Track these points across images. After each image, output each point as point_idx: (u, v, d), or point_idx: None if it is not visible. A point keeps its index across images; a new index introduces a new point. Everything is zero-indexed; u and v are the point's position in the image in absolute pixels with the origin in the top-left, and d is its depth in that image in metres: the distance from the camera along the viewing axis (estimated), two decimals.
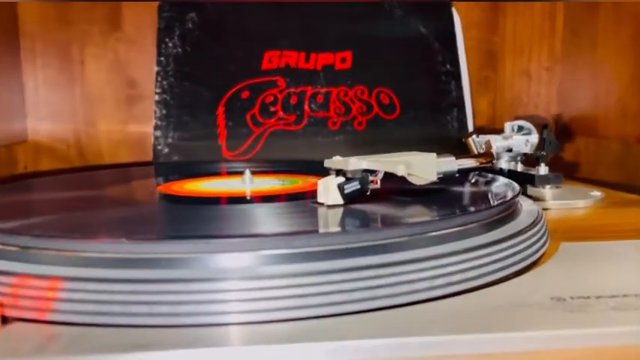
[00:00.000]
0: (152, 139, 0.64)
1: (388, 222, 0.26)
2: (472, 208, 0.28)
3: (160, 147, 0.60)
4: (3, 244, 0.23)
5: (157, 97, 0.62)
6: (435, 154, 0.31)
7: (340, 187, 0.28)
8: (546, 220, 0.32)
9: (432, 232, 0.25)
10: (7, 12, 0.64)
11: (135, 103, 0.67)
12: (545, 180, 0.41)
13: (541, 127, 0.42)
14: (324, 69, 0.64)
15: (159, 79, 0.62)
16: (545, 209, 0.42)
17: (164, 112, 0.61)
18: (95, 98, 0.67)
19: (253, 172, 0.41)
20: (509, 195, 0.31)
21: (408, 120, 0.63)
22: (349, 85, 0.64)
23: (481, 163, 0.34)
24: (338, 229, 0.26)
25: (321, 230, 0.25)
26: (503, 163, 0.47)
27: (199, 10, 0.63)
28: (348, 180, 0.28)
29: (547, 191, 0.44)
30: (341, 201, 0.28)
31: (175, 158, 0.60)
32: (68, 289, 0.20)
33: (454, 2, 0.67)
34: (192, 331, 0.20)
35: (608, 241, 0.31)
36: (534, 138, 0.47)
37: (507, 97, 0.73)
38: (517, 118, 0.50)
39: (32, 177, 0.46)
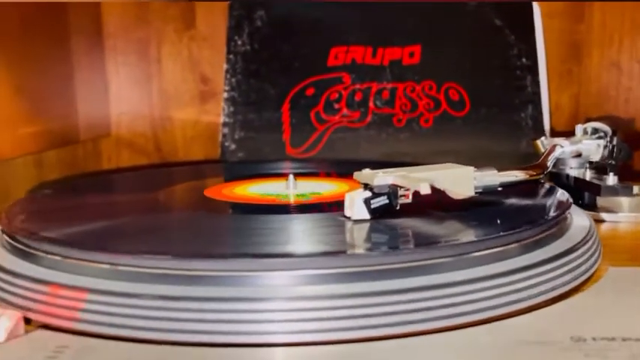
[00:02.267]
0: (220, 136, 0.66)
1: (407, 243, 0.25)
2: (507, 228, 0.26)
3: (227, 144, 0.62)
4: (36, 250, 0.24)
5: (225, 95, 0.63)
6: (472, 168, 0.29)
7: (366, 202, 0.27)
8: (599, 239, 0.29)
9: (455, 255, 0.24)
10: (93, 13, 0.68)
11: (207, 100, 0.69)
12: (612, 191, 0.38)
13: (612, 132, 0.39)
14: (390, 64, 0.62)
15: (228, 76, 0.63)
16: (615, 222, 0.38)
17: (232, 109, 0.63)
18: (170, 94, 0.70)
19: (302, 175, 0.41)
20: (553, 212, 0.28)
21: (479, 117, 0.61)
22: (417, 80, 0.62)
23: (530, 176, 0.32)
24: (354, 250, 0.25)
25: (342, 250, 0.25)
26: (571, 170, 0.43)
27: (268, 8, 0.64)
28: (375, 195, 0.28)
29: (624, 201, 0.40)
30: (367, 216, 0.28)
31: (241, 155, 0.61)
32: (93, 301, 0.21)
33: None
34: (226, 350, 0.20)
35: None
36: (599, 142, 0.43)
37: (593, 92, 0.67)
38: (589, 119, 0.47)
39: (89, 177, 0.48)
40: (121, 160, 0.71)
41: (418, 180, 0.26)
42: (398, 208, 0.28)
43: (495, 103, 0.61)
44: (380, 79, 0.62)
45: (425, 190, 0.25)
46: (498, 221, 0.27)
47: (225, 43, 0.65)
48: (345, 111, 0.61)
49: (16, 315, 0.22)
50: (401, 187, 0.28)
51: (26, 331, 0.21)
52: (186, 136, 0.70)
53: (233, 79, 0.63)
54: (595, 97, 0.67)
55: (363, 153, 0.60)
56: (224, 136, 0.62)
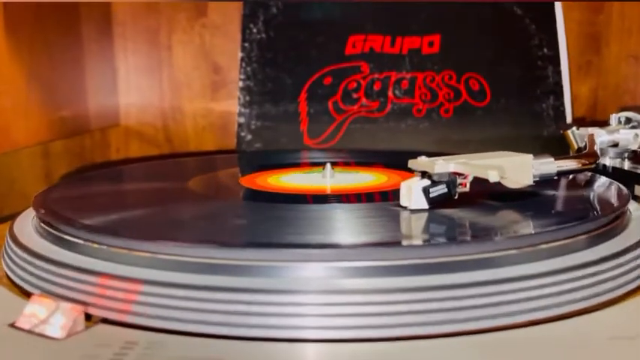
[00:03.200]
0: (236, 126, 0.64)
1: (476, 233, 0.24)
2: (574, 218, 0.25)
3: (243, 134, 0.61)
4: (90, 241, 0.23)
5: (241, 84, 0.62)
6: (531, 156, 0.28)
7: (425, 191, 0.26)
8: None
9: (527, 247, 0.23)
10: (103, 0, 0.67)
11: (219, 89, 0.68)
12: None
13: None
14: (409, 54, 0.61)
15: (243, 65, 0.62)
16: None
17: (247, 98, 0.61)
18: (181, 83, 0.68)
19: (334, 164, 0.40)
20: (616, 200, 0.28)
21: (499, 108, 0.60)
22: (436, 70, 0.61)
23: (583, 165, 0.31)
24: (420, 241, 0.24)
25: (405, 242, 0.23)
26: (608, 160, 0.42)
27: None
28: (434, 183, 0.27)
29: None
30: (426, 206, 0.27)
31: (258, 145, 0.60)
32: (149, 293, 0.20)
33: None
34: (270, 345, 0.19)
35: None
36: (637, 132, 0.43)
37: (611, 84, 0.67)
38: (624, 109, 0.46)
39: (113, 166, 0.47)
40: (129, 151, 0.69)
41: (485, 167, 0.25)
42: (456, 197, 0.27)
43: (516, 93, 0.60)
44: (399, 69, 0.61)
45: (493, 178, 0.24)
46: (559, 210, 0.26)
47: (240, 31, 0.63)
48: (363, 101, 0.60)
49: (72, 310, 0.20)
50: (460, 175, 0.27)
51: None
52: (198, 127, 0.69)
53: (248, 68, 0.62)
54: (613, 88, 0.67)
55: (383, 144, 0.59)
56: (240, 125, 0.61)
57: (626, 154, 0.43)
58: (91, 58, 0.63)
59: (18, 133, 0.50)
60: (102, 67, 0.66)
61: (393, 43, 0.62)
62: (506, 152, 0.29)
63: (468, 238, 0.24)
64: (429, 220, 0.26)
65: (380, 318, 0.20)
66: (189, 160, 0.53)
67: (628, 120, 0.45)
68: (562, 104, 0.59)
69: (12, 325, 0.20)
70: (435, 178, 0.26)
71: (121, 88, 0.69)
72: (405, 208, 0.27)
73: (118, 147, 0.69)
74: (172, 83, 0.68)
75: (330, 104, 0.60)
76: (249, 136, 0.60)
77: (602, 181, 0.33)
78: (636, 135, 0.42)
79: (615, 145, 0.42)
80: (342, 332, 0.19)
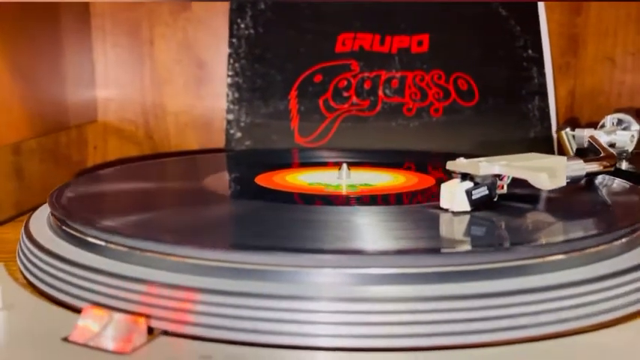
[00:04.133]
0: (224, 123, 0.63)
1: (523, 238, 0.25)
2: (610, 225, 0.25)
3: (232, 131, 0.59)
4: (141, 250, 0.22)
5: (229, 80, 0.60)
6: (565, 158, 0.29)
7: (468, 193, 0.26)
8: None
9: (574, 251, 0.23)
10: None
11: (203, 85, 0.66)
12: None
13: None
14: (399, 53, 0.61)
15: (231, 61, 0.61)
16: None
17: (236, 95, 0.60)
18: (164, 79, 0.66)
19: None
20: None
21: (487, 108, 0.61)
22: (425, 69, 0.61)
23: (605, 167, 0.32)
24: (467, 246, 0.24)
25: (461, 248, 0.23)
26: None
27: None
28: (477, 185, 0.27)
29: None
30: (468, 208, 0.27)
31: (248, 143, 0.59)
32: (216, 303, 0.19)
33: None
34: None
35: None
36: (633, 133, 0.44)
37: (588, 85, 0.69)
38: (617, 110, 0.47)
39: (116, 165, 0.45)
40: (108, 148, 0.67)
41: (535, 169, 0.25)
42: (495, 199, 0.27)
43: (503, 93, 0.61)
44: (389, 68, 0.61)
45: (544, 180, 0.25)
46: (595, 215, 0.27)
47: (226, 25, 0.62)
48: (354, 99, 0.60)
49: (126, 322, 0.19)
50: (498, 177, 0.27)
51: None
52: (180, 124, 0.67)
53: (237, 64, 0.60)
54: (589, 89, 0.69)
55: (374, 143, 0.59)
56: (228, 123, 0.60)
57: (623, 155, 0.44)
58: (69, 51, 0.60)
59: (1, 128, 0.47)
60: (80, 60, 0.63)
61: (382, 42, 0.62)
62: (534, 154, 0.30)
63: (520, 243, 0.24)
64: (472, 224, 0.26)
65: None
66: (197, 158, 0.51)
67: (619, 121, 0.46)
68: (547, 105, 0.61)
69: (66, 339, 0.19)
70: (479, 180, 0.27)
71: (99, 83, 0.66)
72: (445, 210, 0.27)
73: (96, 144, 0.67)
74: (154, 78, 0.66)
75: (320, 102, 0.60)
76: (238, 134, 0.59)
77: (616, 182, 0.34)
78: (632, 136, 0.43)
79: (612, 145, 0.44)
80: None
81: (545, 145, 0.60)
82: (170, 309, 0.19)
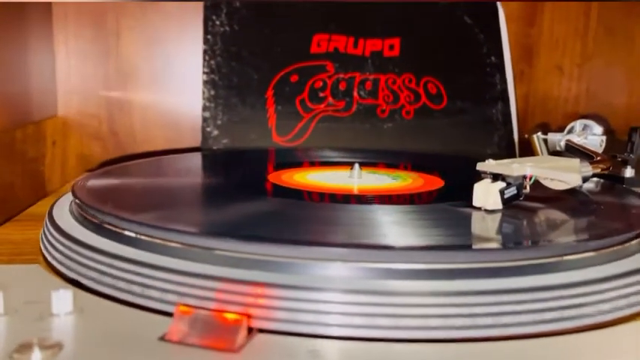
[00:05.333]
0: (194, 121, 0.62)
1: (549, 238, 0.26)
2: (624, 225, 0.28)
3: (209, 129, 0.59)
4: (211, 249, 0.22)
5: (204, 77, 0.60)
6: (578, 160, 0.31)
7: (501, 192, 0.28)
8: None
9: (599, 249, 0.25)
10: None
11: (171, 80, 0.65)
12: (633, 182, 0.42)
13: (630, 129, 0.44)
14: (372, 55, 0.63)
15: (206, 58, 0.60)
16: None
17: (212, 92, 0.59)
18: (130, 73, 0.64)
19: (341, 164, 0.41)
20: None
21: (455, 111, 0.64)
22: (397, 73, 0.63)
23: (602, 170, 0.35)
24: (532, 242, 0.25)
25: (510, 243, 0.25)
26: None
27: None
28: (508, 185, 0.28)
29: None
30: (501, 206, 0.28)
31: (225, 141, 0.58)
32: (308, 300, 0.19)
33: None
34: None
35: None
36: (602, 138, 0.48)
37: (540, 92, 0.74)
38: (583, 116, 0.51)
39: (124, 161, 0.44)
40: (68, 144, 0.64)
41: (567, 170, 0.27)
42: (522, 198, 0.29)
43: (470, 98, 0.64)
44: (363, 70, 0.62)
45: (576, 181, 0.27)
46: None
47: (197, 20, 0.61)
48: (330, 100, 0.61)
49: (220, 320, 0.19)
50: (525, 178, 0.29)
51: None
52: (146, 120, 0.65)
53: (212, 61, 0.60)
54: (541, 96, 0.74)
55: (350, 143, 0.60)
56: (205, 120, 0.59)
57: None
58: (28, 41, 0.57)
59: None
60: (41, 52, 0.60)
61: (356, 45, 0.63)
62: (550, 157, 0.32)
63: (546, 242, 0.26)
64: (506, 222, 0.28)
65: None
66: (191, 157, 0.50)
67: (585, 127, 0.50)
68: (509, 109, 0.65)
69: (162, 339, 0.19)
70: (510, 180, 0.28)
71: (59, 75, 0.63)
72: (479, 209, 0.29)
73: (55, 139, 0.63)
74: (120, 72, 0.64)
75: (297, 102, 0.60)
76: (215, 132, 0.58)
77: (611, 185, 0.37)
78: (602, 141, 0.47)
79: None
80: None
81: (507, 147, 0.63)
82: (266, 307, 0.19)
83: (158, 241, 0.23)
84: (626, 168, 0.44)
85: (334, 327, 0.19)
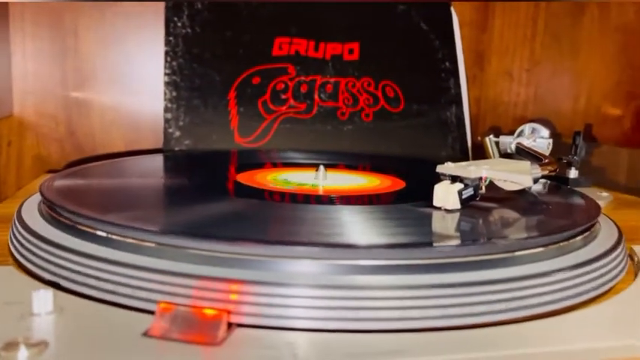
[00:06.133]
0: (154, 122, 0.62)
1: (496, 235, 0.28)
2: (570, 224, 0.30)
3: (170, 130, 0.59)
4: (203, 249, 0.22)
5: (166, 79, 0.60)
6: (529, 162, 0.34)
7: (459, 193, 0.30)
8: None
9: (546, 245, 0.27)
10: None
11: (131, 80, 0.65)
12: (577, 182, 0.45)
13: (574, 133, 0.46)
14: (332, 59, 0.65)
15: (168, 59, 0.60)
16: None
17: (174, 94, 0.60)
18: (88, 73, 0.64)
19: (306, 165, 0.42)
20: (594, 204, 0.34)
21: (412, 114, 0.66)
22: (356, 76, 0.65)
23: (550, 172, 0.37)
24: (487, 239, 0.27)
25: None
26: None
27: None
28: (466, 186, 0.30)
29: None
30: (459, 206, 0.30)
31: (187, 142, 0.59)
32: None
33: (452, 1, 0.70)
34: None
35: None
36: (550, 141, 0.51)
37: (491, 96, 0.77)
38: (531, 120, 0.54)
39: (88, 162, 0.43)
40: (24, 145, 0.63)
41: (519, 172, 0.29)
42: (478, 198, 0.31)
43: (425, 101, 0.67)
44: (323, 73, 0.64)
45: (528, 181, 0.29)
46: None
47: (161, 22, 0.61)
48: (292, 102, 0.62)
49: (193, 315, 0.20)
50: (481, 180, 0.31)
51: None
52: (105, 121, 0.65)
53: (174, 63, 0.60)
54: (492, 100, 0.77)
55: (312, 144, 0.62)
56: (167, 121, 0.59)
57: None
58: None
59: None
60: None
61: (317, 48, 0.64)
62: (503, 160, 0.34)
63: (498, 239, 0.28)
64: (466, 220, 0.29)
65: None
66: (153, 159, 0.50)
67: (533, 130, 0.53)
68: (462, 113, 0.67)
69: (146, 334, 0.20)
70: (468, 182, 0.30)
71: (16, 75, 0.62)
72: (438, 208, 0.30)
73: (10, 139, 0.62)
74: (78, 72, 0.63)
75: (259, 104, 0.61)
76: (177, 133, 0.59)
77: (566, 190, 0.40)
78: (549, 144, 0.50)
79: None
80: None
81: (461, 149, 0.66)
82: (244, 303, 0.20)
83: (132, 240, 0.24)
84: (570, 169, 0.48)
85: (306, 320, 0.21)
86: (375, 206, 0.32)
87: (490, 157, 0.53)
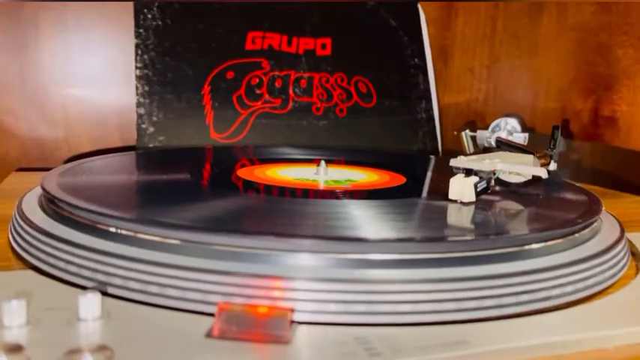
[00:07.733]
0: (122, 118, 0.60)
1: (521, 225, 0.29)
2: (574, 219, 0.31)
3: (144, 125, 0.57)
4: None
5: (137, 72, 0.58)
6: (532, 155, 0.35)
7: (475, 186, 0.31)
8: None
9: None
10: None
11: (95, 75, 0.62)
12: (556, 175, 0.47)
13: (552, 127, 0.48)
14: (305, 54, 0.64)
15: (139, 52, 0.58)
16: None
17: (146, 88, 0.58)
18: (51, 67, 0.61)
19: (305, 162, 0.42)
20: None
21: (384, 109, 0.67)
22: (330, 71, 0.65)
23: (543, 164, 0.39)
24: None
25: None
26: None
27: None
28: (480, 179, 0.31)
29: None
30: (474, 198, 0.31)
31: (161, 138, 0.57)
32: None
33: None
34: None
35: None
36: (526, 135, 0.53)
37: (454, 91, 0.79)
38: (506, 115, 0.56)
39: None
40: None
41: (533, 164, 0.30)
42: (489, 191, 0.32)
43: (396, 97, 0.68)
44: (297, 68, 0.64)
45: (544, 174, 0.30)
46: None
47: (134, 15, 0.59)
48: (267, 97, 0.62)
49: (246, 314, 0.20)
50: (501, 173, 0.32)
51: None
52: (69, 115, 0.62)
53: (145, 56, 0.58)
54: (455, 96, 0.79)
55: (288, 139, 0.61)
56: (140, 117, 0.57)
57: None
58: None
59: None
60: None
61: (290, 43, 0.64)
62: (508, 153, 0.35)
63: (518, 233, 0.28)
64: (483, 214, 0.30)
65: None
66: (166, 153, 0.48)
67: (506, 124, 0.55)
68: (431, 108, 0.69)
69: (209, 336, 0.19)
70: (482, 175, 0.31)
71: None
72: (455, 201, 0.31)
73: None
74: (38, 66, 0.60)
75: (234, 99, 0.60)
76: (151, 129, 0.57)
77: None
78: (525, 138, 0.52)
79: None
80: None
81: (431, 143, 0.67)
82: (308, 300, 0.20)
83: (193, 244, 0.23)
84: (549, 162, 0.49)
85: (369, 315, 0.20)
86: (389, 200, 0.32)
87: (465, 152, 0.54)
